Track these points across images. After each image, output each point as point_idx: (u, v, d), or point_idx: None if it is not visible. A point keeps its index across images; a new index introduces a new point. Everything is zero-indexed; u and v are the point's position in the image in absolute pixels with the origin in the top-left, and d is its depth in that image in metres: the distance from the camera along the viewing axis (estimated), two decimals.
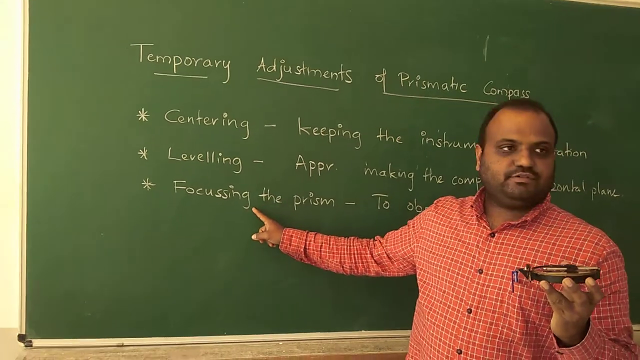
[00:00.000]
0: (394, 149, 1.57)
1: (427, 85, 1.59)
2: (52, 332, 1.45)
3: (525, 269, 0.88)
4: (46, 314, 1.44)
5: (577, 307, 0.82)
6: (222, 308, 1.52)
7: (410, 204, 1.59)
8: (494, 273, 1.09)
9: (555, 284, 0.82)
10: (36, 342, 1.44)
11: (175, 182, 1.45)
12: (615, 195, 1.69)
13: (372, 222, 1.56)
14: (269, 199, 1.51)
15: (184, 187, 1.46)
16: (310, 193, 1.54)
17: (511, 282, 1.06)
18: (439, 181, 1.61)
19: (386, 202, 1.58)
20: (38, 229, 1.41)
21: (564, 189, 1.67)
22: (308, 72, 1.53)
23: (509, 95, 1.63)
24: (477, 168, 1.19)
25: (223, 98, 1.47)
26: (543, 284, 0.82)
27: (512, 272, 1.05)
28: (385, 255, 1.40)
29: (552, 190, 1.64)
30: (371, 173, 1.57)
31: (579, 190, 1.68)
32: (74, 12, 1.41)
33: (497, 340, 1.06)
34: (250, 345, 1.53)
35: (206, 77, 1.47)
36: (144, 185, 1.45)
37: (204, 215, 1.47)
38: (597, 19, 1.67)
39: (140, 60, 1.44)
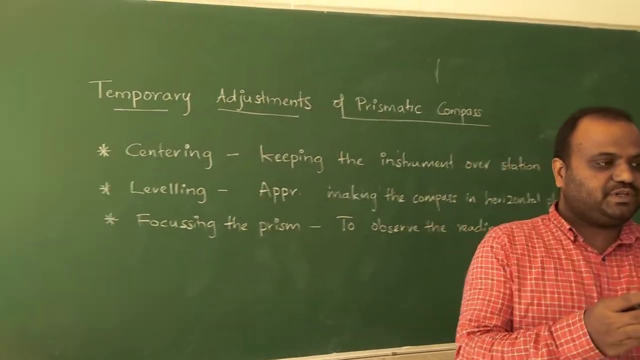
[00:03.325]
0: (355, 171, 1.62)
1: (383, 108, 1.64)
2: None
3: None
4: (13, 357, 1.41)
5: None
6: (194, 338, 1.50)
7: (374, 223, 1.63)
8: None
9: None
10: None
11: (138, 215, 1.45)
12: None
13: (338, 244, 1.59)
14: (234, 227, 1.52)
15: (148, 220, 1.46)
16: (276, 219, 1.56)
17: None
18: (400, 200, 1.65)
19: (351, 223, 1.61)
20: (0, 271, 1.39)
21: (520, 201, 1.73)
22: (268, 101, 1.57)
23: (462, 115, 1.69)
24: (559, 184, 1.08)
25: (184, 130, 1.49)
26: None
27: None
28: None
29: (509, 202, 1.75)
30: (334, 196, 1.60)
31: (534, 201, 1.74)
32: (31, 50, 1.42)
33: None
34: None
35: (166, 110, 1.49)
36: (107, 220, 1.45)
37: (170, 247, 1.48)
38: (544, 38, 1.77)
39: (100, 97, 1.46)
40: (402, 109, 1.66)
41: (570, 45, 1.79)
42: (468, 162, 1.70)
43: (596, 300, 0.97)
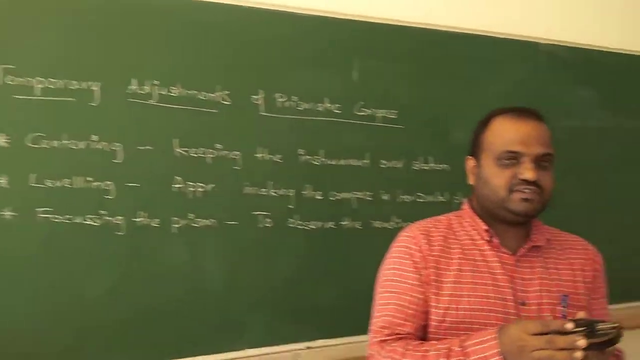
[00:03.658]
0: (273, 167, 1.62)
1: (303, 106, 1.66)
2: None
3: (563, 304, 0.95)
4: None
5: None
6: (97, 339, 1.43)
7: (291, 220, 1.64)
8: (535, 301, 1.00)
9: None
10: None
11: (39, 210, 1.37)
12: None
13: (254, 240, 1.58)
14: (145, 223, 1.47)
15: (49, 215, 1.37)
16: (190, 215, 1.53)
17: (562, 309, 0.99)
18: (317, 197, 1.67)
19: (268, 219, 1.62)
20: None
21: (430, 199, 1.82)
22: (184, 93, 1.53)
23: (378, 115, 1.75)
24: (471, 182, 1.09)
25: (92, 121, 1.42)
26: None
27: (563, 297, 0.99)
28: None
29: (420, 200, 1.82)
30: (252, 192, 1.60)
31: (443, 199, 1.84)
32: None
33: None
34: None
35: (73, 99, 1.41)
36: (4, 214, 1.34)
37: (73, 244, 1.40)
38: (456, 44, 1.85)
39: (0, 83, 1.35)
40: (321, 107, 1.68)
41: (480, 53, 1.89)
42: (383, 161, 1.75)
43: (511, 303, 0.97)
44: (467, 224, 1.08)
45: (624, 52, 2.11)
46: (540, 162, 0.98)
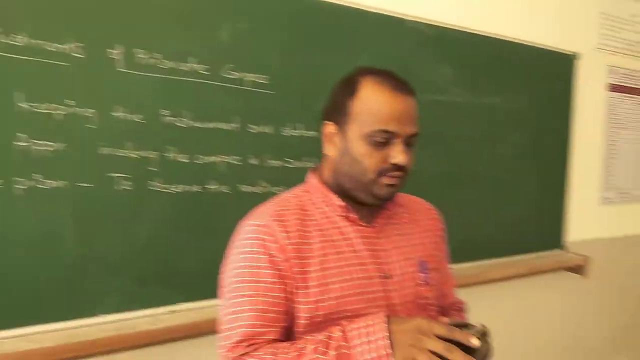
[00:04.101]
0: (133, 127, 1.54)
1: (166, 64, 1.59)
2: None
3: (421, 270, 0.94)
4: None
5: None
6: None
7: (152, 182, 1.59)
8: (398, 272, 0.96)
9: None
10: None
11: None
12: None
13: (111, 203, 1.52)
14: None
15: None
16: (37, 175, 1.42)
17: (422, 274, 0.97)
18: (182, 159, 1.63)
19: (126, 181, 1.55)
20: None
21: (298, 164, 1.85)
22: (30, 43, 1.39)
23: (250, 79, 1.73)
24: (328, 152, 0.96)
25: None
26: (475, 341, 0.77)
27: (421, 263, 0.97)
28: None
29: (287, 165, 1.86)
30: (108, 153, 1.51)
31: (311, 165, 1.86)
32: None
33: None
34: None
35: None
36: None
37: None
38: (325, 14, 1.87)
39: None
40: (187, 67, 1.62)
41: (351, 25, 1.93)
42: (252, 126, 1.75)
43: (376, 279, 0.92)
44: (318, 200, 0.96)
45: (481, 33, 2.29)
46: (409, 141, 0.92)
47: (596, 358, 3.08)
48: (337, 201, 0.95)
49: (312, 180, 1.00)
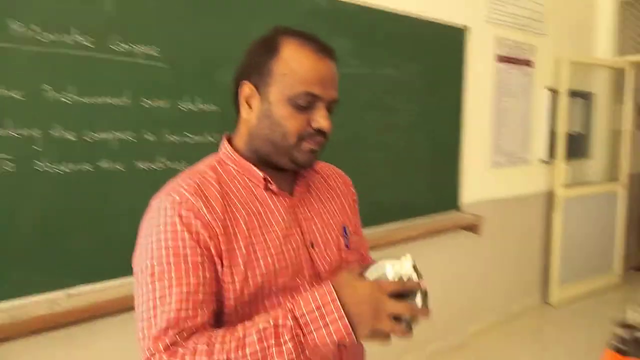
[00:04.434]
0: (12, 104, 1.45)
1: (46, 37, 1.50)
2: None
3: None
4: None
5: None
6: None
7: (38, 162, 1.51)
8: (323, 240, 0.93)
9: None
10: None
11: None
12: None
13: None
14: None
15: None
16: None
17: (344, 240, 0.96)
18: (70, 137, 1.56)
19: (9, 162, 1.46)
20: None
21: (198, 139, 1.84)
22: None
23: (140, 52, 1.67)
24: (245, 115, 0.89)
25: None
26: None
27: (344, 228, 0.96)
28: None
29: (187, 140, 1.84)
30: None
31: (214, 140, 1.88)
32: None
33: None
34: None
35: None
36: None
37: None
38: None
39: None
40: (69, 40, 1.54)
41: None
42: (146, 100, 1.71)
43: (302, 249, 0.88)
44: (235, 171, 0.90)
45: (376, 7, 2.36)
46: (329, 107, 0.88)
47: (493, 305, 3.39)
48: (257, 172, 0.89)
49: (226, 149, 0.92)
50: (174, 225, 0.80)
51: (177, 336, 0.74)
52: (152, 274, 0.78)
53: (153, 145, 1.73)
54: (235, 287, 0.81)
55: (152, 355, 0.74)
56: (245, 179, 0.89)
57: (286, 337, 0.72)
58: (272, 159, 0.89)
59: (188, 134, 1.81)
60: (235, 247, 0.82)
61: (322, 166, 1.06)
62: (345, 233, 0.97)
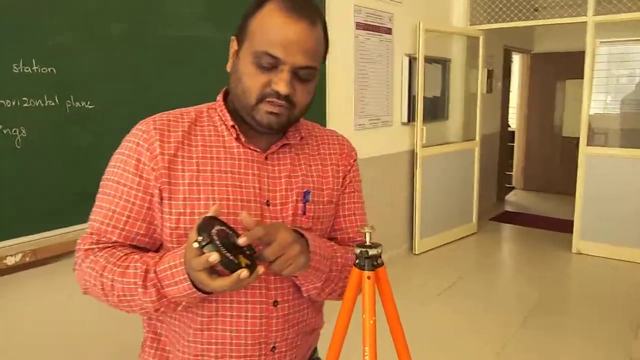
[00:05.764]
0: None
1: None
2: None
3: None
4: None
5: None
6: None
7: None
8: (279, 200, 0.93)
9: None
10: None
11: None
12: (89, 107, 1.93)
13: None
14: None
15: None
16: None
17: (303, 205, 0.95)
18: None
19: None
20: None
21: (37, 104, 1.77)
22: None
23: None
24: (228, 68, 0.93)
25: None
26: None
27: (304, 193, 0.95)
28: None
29: (26, 105, 1.76)
30: None
31: (53, 103, 1.82)
32: None
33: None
34: None
35: None
36: None
37: None
38: None
39: None
40: None
41: None
42: None
43: (253, 202, 0.91)
44: (218, 118, 0.94)
45: None
46: (300, 73, 0.86)
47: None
48: (229, 121, 0.92)
49: (219, 97, 0.97)
50: (129, 150, 0.89)
51: (94, 244, 0.89)
52: (100, 186, 0.91)
53: None
54: (171, 217, 0.88)
55: (78, 248, 0.90)
56: (223, 127, 0.93)
57: (149, 283, 0.83)
58: (242, 115, 0.91)
59: (23, 98, 1.73)
60: (180, 182, 0.88)
61: (323, 133, 1.06)
62: (306, 199, 0.95)
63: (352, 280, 0.81)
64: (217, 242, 0.73)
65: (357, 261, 0.81)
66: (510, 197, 6.49)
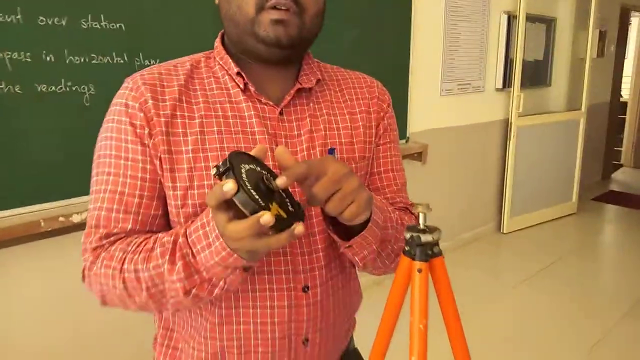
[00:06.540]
0: None
1: None
2: None
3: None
4: None
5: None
6: None
7: None
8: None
9: None
10: None
11: None
12: None
13: None
14: None
15: None
16: None
17: None
18: None
19: None
20: None
21: (106, 60, 1.75)
22: None
23: None
24: (216, 1, 0.78)
25: None
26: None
27: (329, 151, 0.79)
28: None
29: (95, 62, 1.75)
30: None
31: (122, 61, 1.79)
32: None
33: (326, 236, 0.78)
34: None
35: None
36: None
37: None
38: None
39: None
40: None
41: None
42: (41, 17, 1.60)
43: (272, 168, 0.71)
44: (218, 66, 0.78)
45: None
46: None
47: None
48: (234, 67, 0.76)
49: (217, 42, 0.81)
50: (118, 114, 0.72)
51: (103, 239, 0.72)
52: (95, 167, 0.74)
53: (52, 66, 1.64)
54: (176, 193, 0.71)
55: (84, 251, 0.74)
56: (226, 78, 0.77)
57: (177, 256, 0.65)
58: (243, 45, 0.75)
59: (92, 54, 1.72)
60: (183, 149, 0.71)
61: (346, 75, 0.89)
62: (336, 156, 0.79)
63: (400, 271, 0.65)
64: (243, 176, 0.55)
65: (406, 248, 0.65)
66: (617, 175, 5.81)
